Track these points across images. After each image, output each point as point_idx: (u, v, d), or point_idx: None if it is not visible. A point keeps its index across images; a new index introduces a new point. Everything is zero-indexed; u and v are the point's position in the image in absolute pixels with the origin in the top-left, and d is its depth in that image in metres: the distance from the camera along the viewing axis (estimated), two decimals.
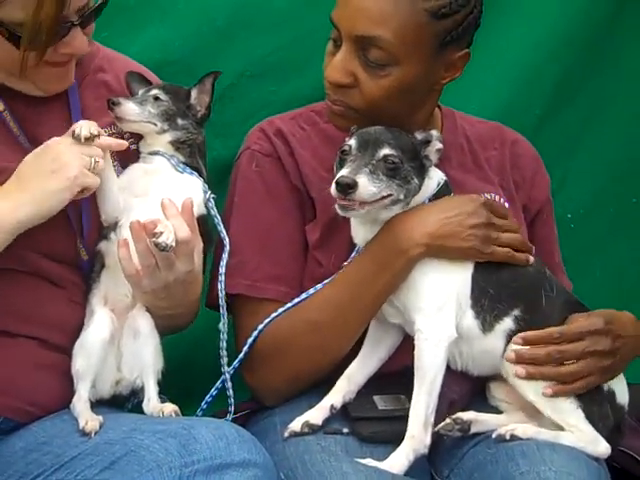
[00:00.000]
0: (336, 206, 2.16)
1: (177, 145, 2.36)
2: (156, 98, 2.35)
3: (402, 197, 2.20)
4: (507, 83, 3.09)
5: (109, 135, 2.35)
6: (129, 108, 2.31)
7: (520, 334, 2.21)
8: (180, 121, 2.36)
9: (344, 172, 2.13)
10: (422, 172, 2.24)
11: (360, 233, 2.30)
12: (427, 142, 2.24)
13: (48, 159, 2.13)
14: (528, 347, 2.20)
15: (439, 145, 2.25)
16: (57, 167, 2.11)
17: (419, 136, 2.24)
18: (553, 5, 3.08)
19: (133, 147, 2.40)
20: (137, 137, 2.40)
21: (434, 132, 2.27)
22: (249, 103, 2.88)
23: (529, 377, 2.19)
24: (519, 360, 2.19)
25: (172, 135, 2.36)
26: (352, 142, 2.19)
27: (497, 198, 2.45)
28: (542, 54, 3.09)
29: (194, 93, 2.39)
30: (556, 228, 2.66)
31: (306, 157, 2.43)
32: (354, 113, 2.30)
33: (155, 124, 2.34)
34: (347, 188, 2.11)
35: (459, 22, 2.25)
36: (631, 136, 3.22)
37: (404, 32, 2.20)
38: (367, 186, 2.12)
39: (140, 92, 2.37)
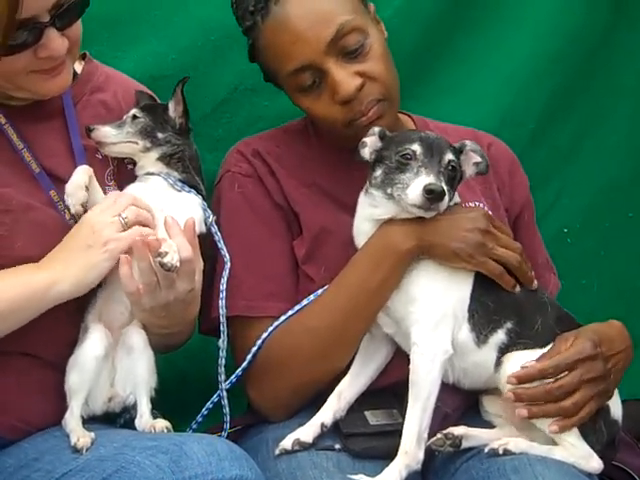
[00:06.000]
0: (415, 209, 2.15)
1: (167, 161, 2.36)
2: (134, 117, 2.36)
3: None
4: (501, 97, 3.09)
5: (104, 157, 2.36)
6: (105, 131, 2.33)
7: (513, 374, 2.17)
8: (160, 135, 2.36)
9: (431, 179, 2.11)
10: (458, 184, 2.24)
11: (362, 235, 2.28)
12: (461, 151, 2.25)
13: (85, 233, 2.18)
14: (525, 386, 2.16)
15: (476, 158, 2.25)
16: (92, 241, 2.16)
17: (456, 145, 2.25)
18: (547, 21, 3.09)
19: (130, 167, 2.40)
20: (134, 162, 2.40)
21: (467, 141, 2.26)
22: (243, 117, 2.90)
23: (532, 417, 2.16)
24: (518, 400, 2.17)
25: (158, 151, 2.36)
26: (416, 147, 2.17)
27: (481, 207, 2.44)
28: (536, 69, 3.09)
29: (171, 106, 2.39)
30: (538, 229, 2.66)
31: (285, 174, 2.44)
32: (387, 104, 2.34)
33: (136, 142, 2.34)
34: (440, 197, 2.10)
35: None
36: (626, 150, 3.22)
37: (351, 5, 2.33)
38: (447, 196, 2.13)
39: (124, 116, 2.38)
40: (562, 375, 2.17)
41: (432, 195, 2.10)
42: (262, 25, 2.35)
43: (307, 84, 2.33)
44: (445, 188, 2.12)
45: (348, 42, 2.29)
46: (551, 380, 2.17)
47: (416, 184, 2.12)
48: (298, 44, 2.29)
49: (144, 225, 2.21)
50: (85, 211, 2.23)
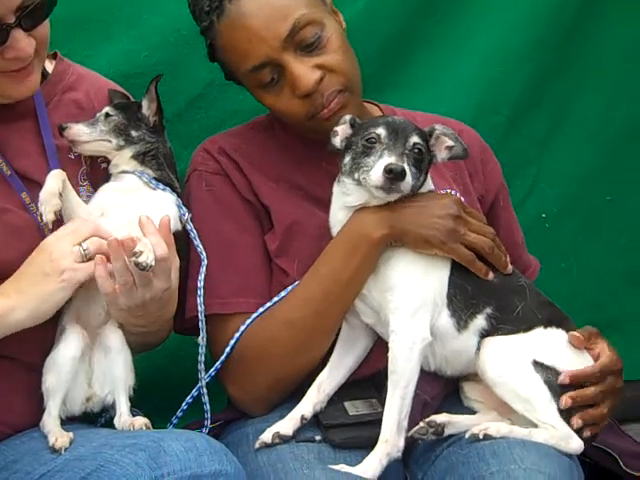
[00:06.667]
0: (379, 191, 2.14)
1: (141, 159, 2.35)
2: (107, 115, 2.35)
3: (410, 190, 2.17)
4: (476, 85, 3.09)
5: (77, 157, 2.35)
6: (78, 129, 2.31)
7: (568, 373, 2.17)
8: (134, 133, 2.35)
9: (392, 159, 2.11)
10: (428, 168, 2.24)
11: (338, 224, 2.27)
12: (430, 135, 2.24)
13: (43, 260, 2.14)
14: (578, 391, 2.18)
15: (449, 142, 2.24)
16: (50, 269, 2.13)
17: (425, 129, 2.24)
18: (520, 8, 3.09)
19: (104, 166, 2.39)
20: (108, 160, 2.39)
21: (437, 125, 2.26)
22: (218, 112, 2.90)
23: (584, 425, 2.17)
24: (574, 403, 2.17)
25: (131, 149, 2.34)
26: (380, 130, 2.17)
27: (453, 193, 2.43)
28: (510, 57, 3.10)
29: (145, 103, 2.38)
30: (513, 210, 2.66)
31: (252, 170, 2.43)
32: (349, 94, 2.34)
33: (109, 140, 2.33)
34: (401, 177, 2.09)
35: None
36: (603, 135, 3.22)
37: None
38: (409, 176, 2.12)
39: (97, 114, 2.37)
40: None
41: (392, 175, 2.09)
42: (218, 24, 2.34)
43: (267, 80, 2.33)
44: (407, 168, 2.11)
45: (305, 36, 2.29)
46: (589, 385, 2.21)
47: (378, 165, 2.12)
48: (254, 41, 2.29)
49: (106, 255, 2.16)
50: (58, 219, 2.20)
